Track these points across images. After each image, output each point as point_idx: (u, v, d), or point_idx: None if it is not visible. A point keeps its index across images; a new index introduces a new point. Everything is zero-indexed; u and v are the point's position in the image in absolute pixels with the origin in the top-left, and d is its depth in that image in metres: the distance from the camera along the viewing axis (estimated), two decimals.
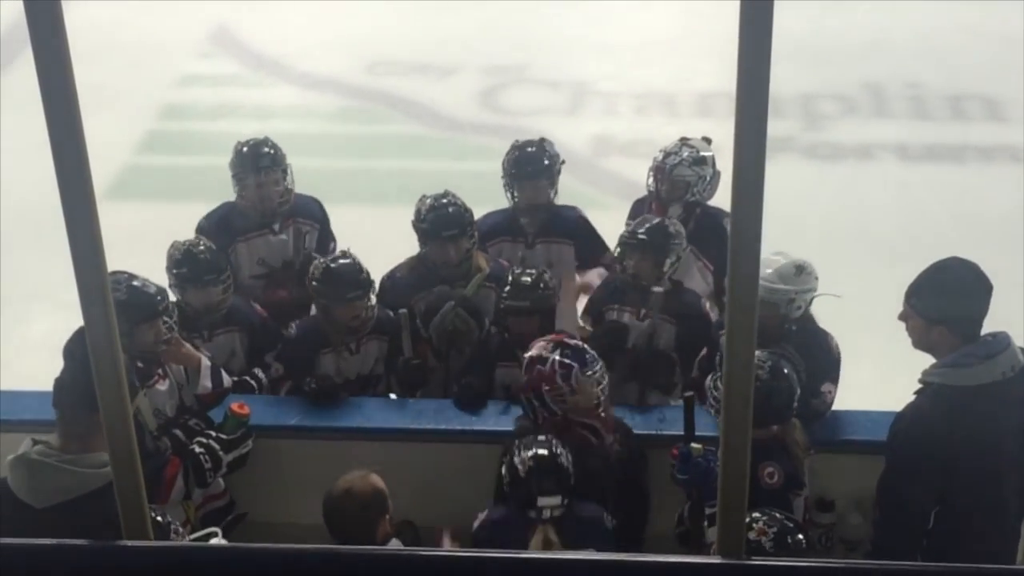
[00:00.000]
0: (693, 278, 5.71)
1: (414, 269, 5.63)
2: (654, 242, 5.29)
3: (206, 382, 4.92)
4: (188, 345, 4.94)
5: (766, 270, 4.84)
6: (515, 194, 5.76)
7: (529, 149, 5.79)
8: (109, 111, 9.78)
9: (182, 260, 5.28)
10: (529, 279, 5.25)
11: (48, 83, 2.28)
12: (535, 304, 5.21)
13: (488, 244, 5.81)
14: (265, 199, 5.75)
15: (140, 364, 4.68)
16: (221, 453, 4.69)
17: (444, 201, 5.50)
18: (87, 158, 2.34)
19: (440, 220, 5.45)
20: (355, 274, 5.23)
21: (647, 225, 5.35)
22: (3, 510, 3.63)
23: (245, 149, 5.77)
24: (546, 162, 5.77)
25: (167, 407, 4.84)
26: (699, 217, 5.73)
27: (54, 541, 2.62)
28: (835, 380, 4.97)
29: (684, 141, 5.77)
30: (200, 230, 5.76)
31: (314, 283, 5.26)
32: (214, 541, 4.04)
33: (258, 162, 5.72)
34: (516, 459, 4.27)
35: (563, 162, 5.88)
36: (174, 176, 9.89)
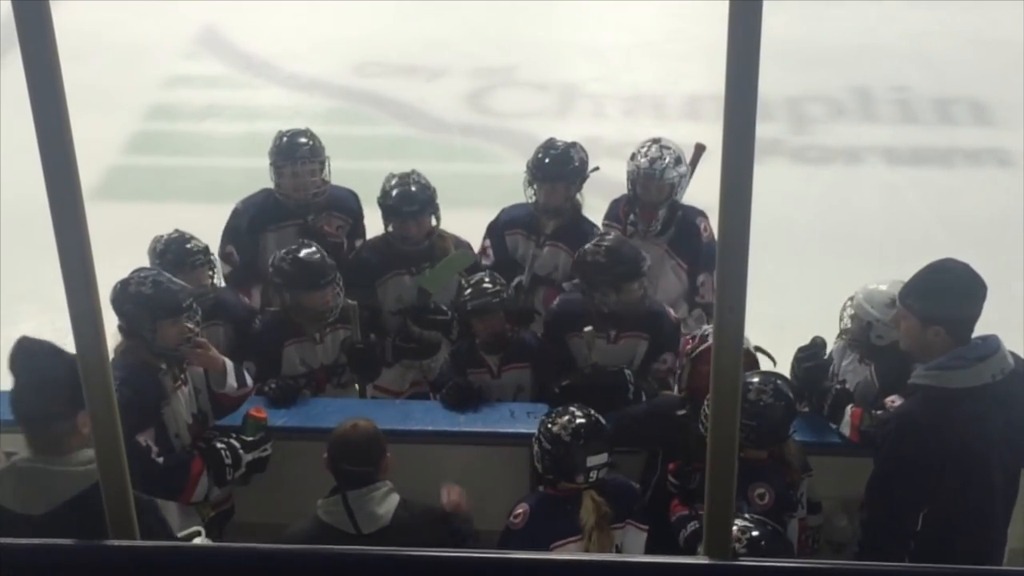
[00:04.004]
0: (667, 277, 5.72)
1: (378, 249, 5.73)
2: (636, 274, 5.22)
3: (232, 381, 4.91)
4: (214, 349, 4.93)
5: (868, 286, 4.92)
6: (535, 192, 5.76)
7: (553, 151, 5.76)
8: (97, 111, 9.73)
9: (164, 249, 5.31)
10: (487, 283, 5.30)
11: (36, 83, 2.28)
12: (498, 298, 5.24)
13: (505, 233, 5.88)
14: (299, 189, 5.79)
15: (163, 366, 4.70)
16: (242, 452, 4.76)
17: (409, 179, 5.62)
18: (75, 158, 2.34)
19: (401, 197, 5.57)
20: (323, 262, 5.30)
21: (616, 256, 5.18)
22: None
23: (284, 139, 5.82)
24: (569, 166, 5.73)
25: (186, 414, 4.83)
26: (679, 218, 5.72)
27: (40, 541, 2.61)
28: None
29: (660, 144, 5.69)
30: (236, 213, 5.86)
31: (284, 272, 5.28)
32: (197, 540, 4.06)
33: (295, 152, 5.77)
34: (555, 429, 4.35)
35: (595, 168, 5.84)
36: (161, 177, 9.88)
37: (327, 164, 5.86)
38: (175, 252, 5.29)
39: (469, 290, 5.28)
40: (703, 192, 5.70)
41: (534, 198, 5.76)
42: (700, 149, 5.84)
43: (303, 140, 5.83)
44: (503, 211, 5.98)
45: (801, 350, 5.03)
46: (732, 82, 2.22)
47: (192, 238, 5.39)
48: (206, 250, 5.42)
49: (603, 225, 5.85)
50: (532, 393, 5.31)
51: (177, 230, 5.43)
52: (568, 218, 5.79)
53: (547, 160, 5.74)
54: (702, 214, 5.73)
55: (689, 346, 4.86)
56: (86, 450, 3.60)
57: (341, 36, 12.23)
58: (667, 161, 5.62)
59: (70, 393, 3.51)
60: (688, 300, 5.77)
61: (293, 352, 5.37)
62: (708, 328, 4.93)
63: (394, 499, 4.16)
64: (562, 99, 11.24)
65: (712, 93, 9.89)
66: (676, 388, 4.94)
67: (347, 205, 6.00)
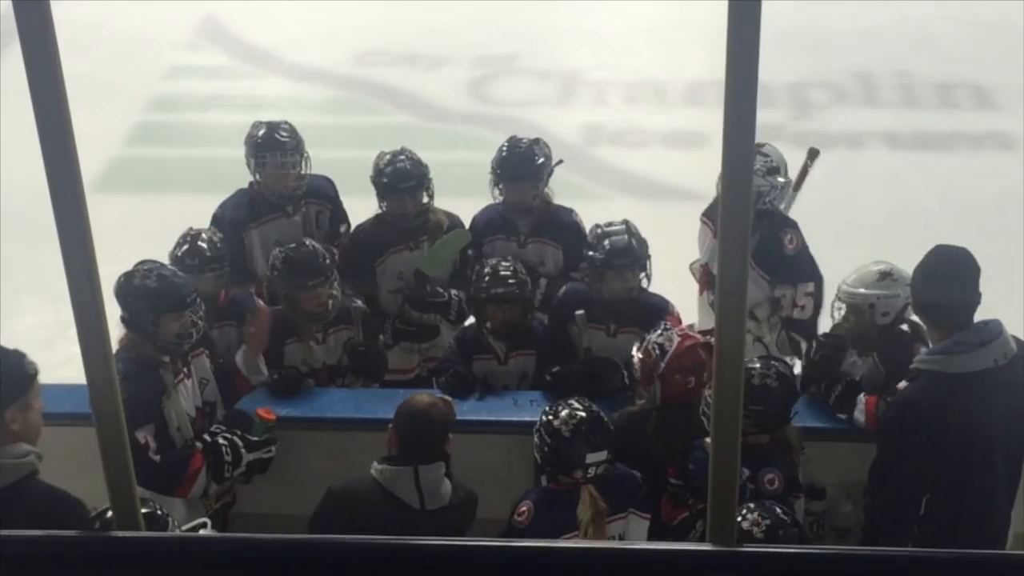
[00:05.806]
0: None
1: (373, 230, 5.76)
2: (626, 262, 5.23)
3: (264, 368, 5.12)
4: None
5: (849, 277, 4.89)
6: (501, 192, 5.75)
7: (517, 150, 5.72)
8: (98, 103, 9.76)
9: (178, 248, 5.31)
10: (508, 270, 5.29)
11: (36, 75, 2.28)
12: (520, 290, 5.24)
13: (484, 241, 5.80)
14: (281, 181, 5.74)
15: (166, 359, 4.69)
16: (243, 450, 4.77)
17: (401, 156, 5.66)
18: (76, 150, 2.33)
19: (397, 174, 5.61)
20: (315, 260, 5.25)
21: (614, 247, 5.22)
22: None
23: (265, 130, 5.74)
24: (534, 164, 5.69)
25: (189, 407, 4.83)
26: (764, 227, 5.54)
27: (44, 533, 2.62)
28: None
29: (760, 150, 5.55)
30: (216, 218, 5.79)
31: (275, 272, 5.29)
32: (203, 532, 4.07)
33: (281, 146, 5.70)
34: (555, 424, 4.30)
35: (559, 162, 5.83)
36: (163, 168, 9.89)
37: (307, 158, 5.79)
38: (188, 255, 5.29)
39: (488, 277, 5.27)
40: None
41: (500, 197, 5.76)
42: (812, 155, 5.67)
43: (285, 133, 5.74)
44: (477, 216, 5.92)
45: (825, 336, 5.04)
46: (733, 68, 2.22)
47: (208, 239, 5.37)
48: (222, 257, 5.38)
49: (700, 222, 5.80)
50: (534, 380, 5.32)
51: (212, 228, 5.47)
52: (541, 213, 5.77)
53: (511, 159, 5.71)
54: (792, 225, 5.62)
55: (648, 362, 4.68)
56: (21, 444, 3.69)
57: (342, 25, 12.22)
58: (755, 167, 5.42)
59: None
60: (772, 306, 5.67)
61: (294, 351, 5.35)
62: (651, 337, 4.75)
63: (448, 480, 4.23)
64: (564, 87, 11.23)
65: (714, 79, 9.86)
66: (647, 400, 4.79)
67: (324, 192, 5.95)
